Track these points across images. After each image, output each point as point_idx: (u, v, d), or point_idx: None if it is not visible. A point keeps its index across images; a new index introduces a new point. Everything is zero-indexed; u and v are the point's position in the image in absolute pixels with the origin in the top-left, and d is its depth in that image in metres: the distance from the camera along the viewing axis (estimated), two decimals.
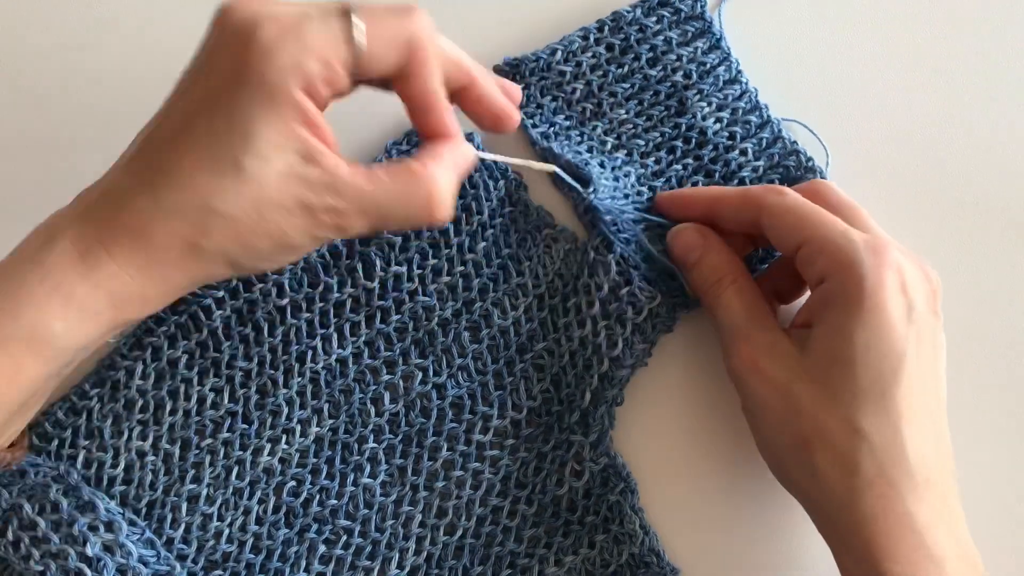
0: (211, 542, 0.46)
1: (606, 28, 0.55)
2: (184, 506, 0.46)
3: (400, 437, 0.49)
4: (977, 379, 0.52)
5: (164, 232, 0.39)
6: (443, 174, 0.41)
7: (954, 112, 0.56)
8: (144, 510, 0.46)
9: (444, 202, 0.42)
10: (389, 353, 0.50)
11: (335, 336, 0.49)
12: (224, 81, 0.38)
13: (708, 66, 0.55)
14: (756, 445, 0.46)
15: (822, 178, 0.52)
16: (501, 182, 0.52)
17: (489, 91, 0.44)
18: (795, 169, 0.53)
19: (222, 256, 0.40)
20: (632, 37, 0.54)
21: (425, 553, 0.47)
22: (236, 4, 0.39)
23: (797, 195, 0.45)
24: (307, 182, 0.39)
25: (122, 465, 0.47)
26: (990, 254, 0.54)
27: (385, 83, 0.42)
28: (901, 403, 0.40)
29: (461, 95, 0.43)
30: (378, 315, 0.50)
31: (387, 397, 0.49)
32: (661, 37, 0.55)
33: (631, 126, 0.54)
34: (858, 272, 0.41)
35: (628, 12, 0.55)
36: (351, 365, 0.49)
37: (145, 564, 0.43)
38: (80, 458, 0.47)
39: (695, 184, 0.53)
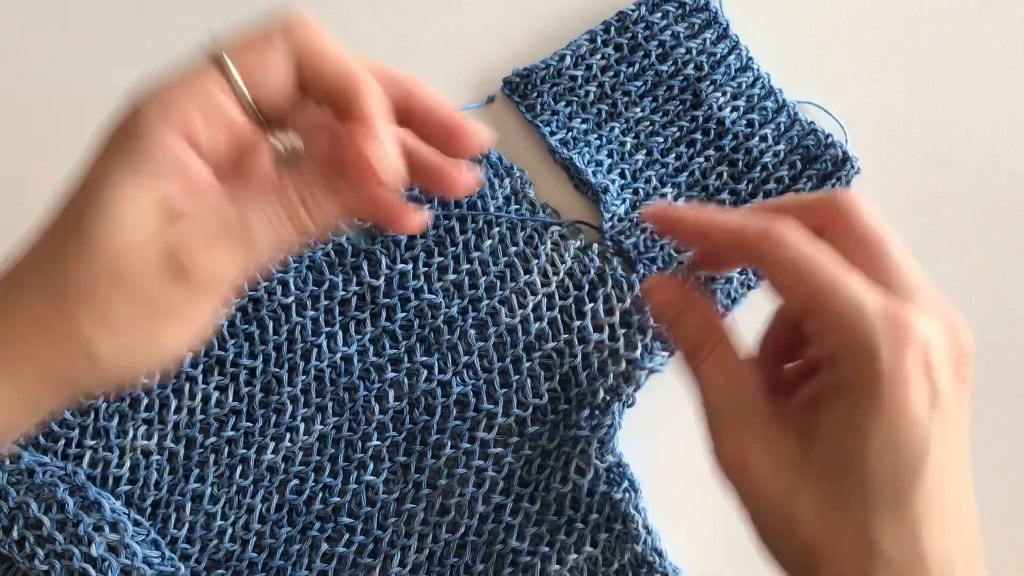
0: (214, 541, 0.47)
1: (612, 29, 0.54)
2: (188, 505, 0.47)
3: (404, 434, 0.49)
4: (977, 380, 0.52)
5: (20, 315, 0.34)
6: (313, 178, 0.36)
7: (963, 89, 0.56)
8: (149, 509, 0.47)
9: (315, 197, 0.35)
10: (394, 351, 0.49)
11: (340, 334, 0.49)
12: (98, 151, 0.34)
13: (718, 56, 0.54)
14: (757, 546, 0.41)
15: (843, 153, 0.52)
16: (507, 180, 0.51)
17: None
18: (815, 148, 0.53)
19: (75, 338, 0.33)
20: (639, 35, 0.54)
21: (427, 551, 0.47)
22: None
23: (800, 240, 0.36)
24: (162, 233, 0.34)
25: (127, 464, 0.47)
26: (995, 253, 0.54)
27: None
28: (921, 507, 0.35)
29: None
30: (383, 313, 0.50)
31: (391, 394, 0.49)
32: (668, 32, 0.54)
33: (648, 123, 0.54)
34: (873, 359, 0.34)
35: (633, 11, 0.54)
36: (356, 362, 0.49)
37: (149, 565, 0.43)
38: (86, 457, 0.47)
39: (719, 175, 0.53)
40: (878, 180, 0.54)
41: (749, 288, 0.51)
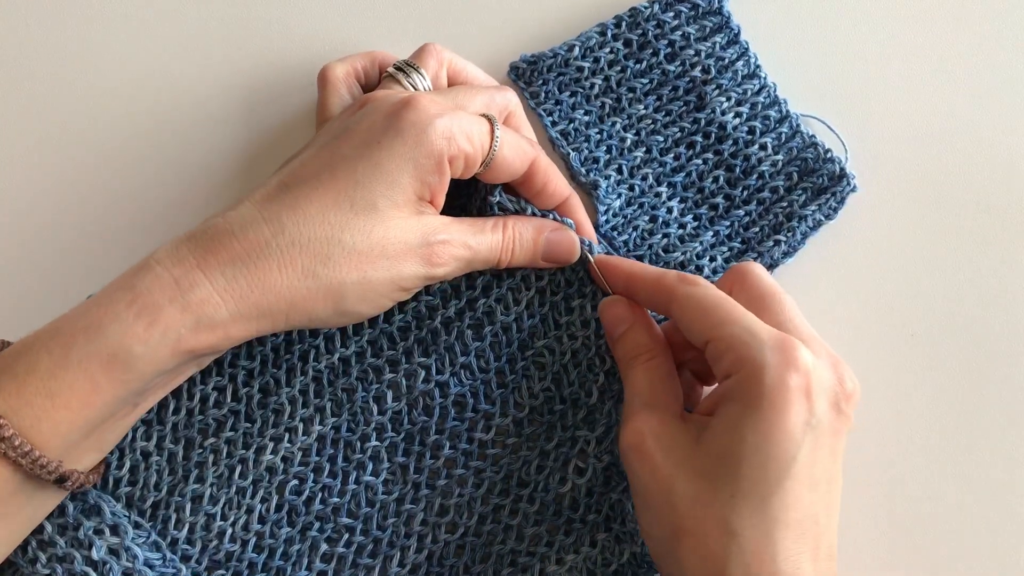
0: (214, 542, 0.47)
1: (624, 24, 0.55)
2: (188, 506, 0.47)
3: (402, 435, 0.49)
4: (978, 379, 0.52)
5: (280, 260, 0.41)
6: (527, 230, 0.48)
7: (972, 110, 0.56)
8: (149, 511, 0.47)
9: (523, 250, 0.48)
10: (392, 352, 0.49)
11: (338, 335, 0.49)
12: (378, 136, 0.42)
13: (727, 61, 0.54)
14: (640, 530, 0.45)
15: (841, 169, 0.53)
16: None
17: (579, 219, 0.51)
18: (813, 161, 0.53)
19: (334, 288, 0.42)
20: (650, 33, 0.54)
21: (426, 551, 0.48)
22: (384, 93, 0.46)
23: (710, 286, 0.44)
24: (422, 225, 0.44)
25: (127, 466, 0.47)
26: (995, 253, 0.54)
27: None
28: (780, 510, 0.39)
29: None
30: (381, 315, 0.50)
31: (390, 395, 0.49)
32: (679, 32, 0.54)
33: (650, 121, 0.54)
34: (759, 371, 0.40)
35: (646, 8, 0.54)
36: (354, 364, 0.49)
37: (151, 567, 0.43)
38: None
39: (715, 179, 0.54)
40: (880, 203, 0.54)
41: None
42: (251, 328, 0.41)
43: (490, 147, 0.45)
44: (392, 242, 0.42)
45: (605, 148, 0.54)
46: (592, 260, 0.49)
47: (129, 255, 0.51)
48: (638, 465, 0.42)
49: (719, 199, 0.53)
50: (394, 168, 0.42)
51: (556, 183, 0.48)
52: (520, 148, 0.46)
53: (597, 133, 0.54)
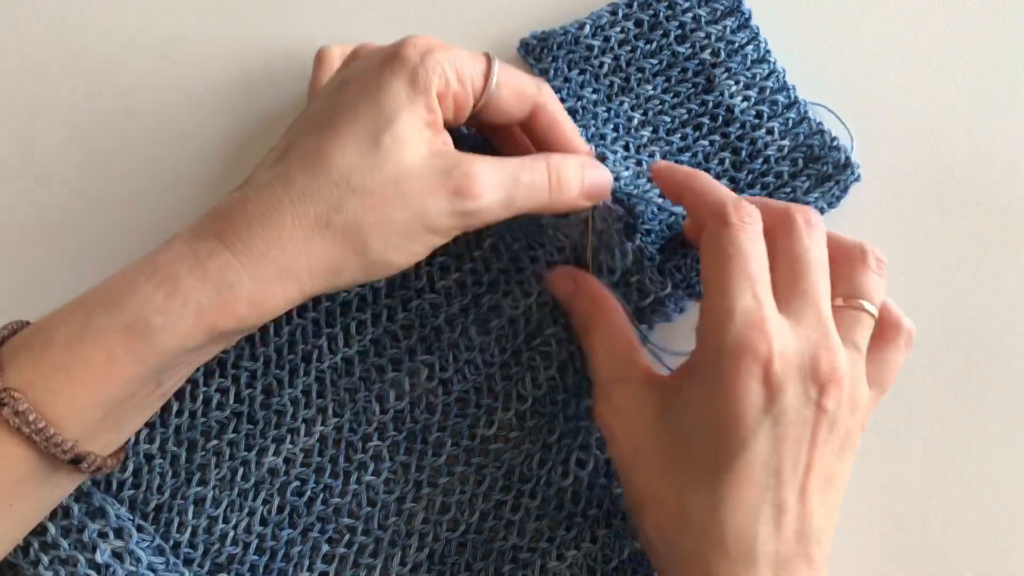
0: (216, 545, 0.47)
1: (635, 4, 0.55)
2: (191, 509, 0.47)
3: (404, 434, 0.49)
4: (977, 379, 0.52)
5: (294, 214, 0.40)
6: (569, 162, 0.45)
7: (979, 103, 0.55)
8: (152, 514, 0.47)
9: (569, 183, 0.45)
10: (395, 351, 0.49)
11: (341, 335, 0.49)
12: (375, 78, 0.41)
13: (737, 45, 0.55)
14: None
15: (846, 158, 0.52)
16: None
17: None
18: (819, 148, 0.53)
19: (353, 235, 0.40)
20: (661, 13, 0.54)
21: (428, 549, 0.48)
22: (375, 45, 0.45)
23: (738, 233, 0.41)
24: (440, 158, 0.41)
25: (130, 469, 0.47)
26: (998, 252, 0.54)
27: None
28: (730, 491, 0.39)
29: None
30: (384, 313, 0.49)
31: (392, 394, 0.49)
32: (690, 14, 0.55)
33: (658, 102, 0.54)
34: (719, 352, 0.39)
35: None
36: (357, 364, 0.49)
37: (154, 571, 0.44)
38: None
39: (721, 161, 0.54)
40: (879, 202, 0.54)
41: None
42: (275, 291, 0.40)
43: (484, 87, 0.43)
44: (405, 176, 0.40)
45: (612, 127, 0.54)
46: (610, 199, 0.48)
47: (129, 251, 0.51)
48: (609, 440, 0.44)
49: (724, 182, 0.53)
50: (394, 107, 0.41)
51: (566, 135, 0.47)
52: (520, 89, 0.45)
53: (605, 111, 0.54)
